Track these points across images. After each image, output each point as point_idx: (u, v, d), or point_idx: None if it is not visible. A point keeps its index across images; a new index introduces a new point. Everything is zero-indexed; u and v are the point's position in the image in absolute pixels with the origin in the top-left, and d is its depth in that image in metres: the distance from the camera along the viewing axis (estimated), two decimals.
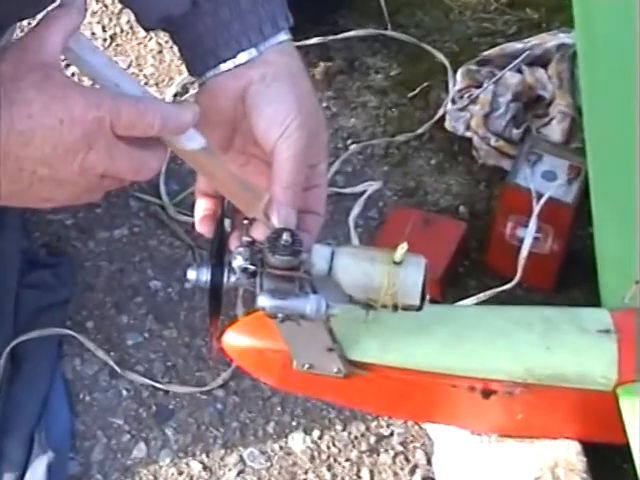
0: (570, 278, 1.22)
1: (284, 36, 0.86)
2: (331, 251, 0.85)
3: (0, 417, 1.10)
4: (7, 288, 1.18)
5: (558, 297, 1.22)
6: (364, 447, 1.13)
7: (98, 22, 1.51)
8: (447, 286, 1.22)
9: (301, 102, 0.84)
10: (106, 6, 1.53)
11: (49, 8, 0.76)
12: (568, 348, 0.96)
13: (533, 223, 1.14)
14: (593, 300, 1.05)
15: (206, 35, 0.85)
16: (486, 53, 1.39)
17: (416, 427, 1.13)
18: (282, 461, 1.12)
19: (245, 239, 0.83)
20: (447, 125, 1.36)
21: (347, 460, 1.12)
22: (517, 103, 1.33)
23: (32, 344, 1.16)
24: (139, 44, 1.49)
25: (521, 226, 1.17)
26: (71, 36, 0.74)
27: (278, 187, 0.82)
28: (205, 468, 1.12)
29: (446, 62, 1.43)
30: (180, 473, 1.11)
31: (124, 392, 1.17)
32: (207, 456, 1.12)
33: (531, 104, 1.35)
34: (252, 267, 0.82)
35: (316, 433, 1.14)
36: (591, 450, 1.01)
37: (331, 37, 1.47)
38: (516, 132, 1.31)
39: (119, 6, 1.51)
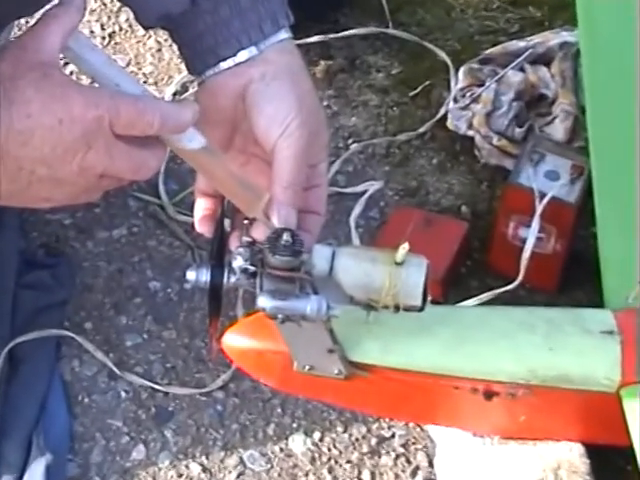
0: (573, 279, 1.22)
1: (284, 34, 0.86)
2: (332, 251, 0.85)
3: None
4: (5, 289, 1.18)
5: (561, 298, 1.22)
6: (365, 449, 1.13)
7: (97, 20, 1.51)
8: (449, 287, 1.22)
9: (302, 101, 0.84)
10: (105, 4, 1.53)
11: (47, 6, 0.76)
12: (571, 349, 0.96)
13: (536, 223, 1.14)
14: (596, 301, 1.05)
15: (206, 33, 0.85)
16: (488, 51, 1.39)
17: (418, 429, 1.13)
18: (282, 463, 1.12)
19: (245, 239, 0.84)
20: (449, 124, 1.36)
21: (348, 462, 1.12)
22: (519, 102, 1.33)
23: (30, 345, 1.16)
24: (138, 42, 1.49)
25: (524, 226, 1.17)
26: (70, 35, 0.74)
27: (278, 187, 0.82)
28: (205, 470, 1.12)
29: (448, 60, 1.43)
30: (179, 475, 1.11)
31: (123, 394, 1.16)
32: (207, 458, 1.12)
33: (534, 103, 1.35)
34: (252, 267, 0.82)
35: (317, 435, 1.14)
36: (594, 452, 1.01)
37: (332, 35, 1.47)
38: (519, 131, 1.31)
39: (118, 4, 1.52)
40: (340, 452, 1.13)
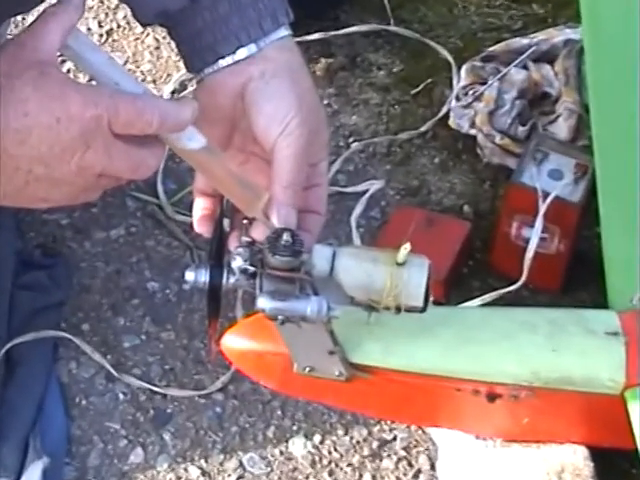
0: (577, 279, 1.22)
1: (284, 32, 0.86)
2: (332, 251, 0.85)
3: None
4: (1, 289, 1.18)
5: (564, 298, 1.22)
6: (366, 452, 1.13)
7: (94, 17, 1.51)
8: (451, 287, 1.22)
9: (302, 99, 0.84)
10: (102, 1, 1.53)
11: (45, 3, 0.76)
12: (575, 351, 0.96)
13: (539, 223, 1.14)
14: (600, 301, 1.05)
15: (204, 30, 0.85)
16: (491, 49, 1.39)
17: (419, 431, 1.13)
18: (282, 466, 1.12)
19: (244, 239, 0.84)
20: (451, 123, 1.36)
21: (349, 465, 1.12)
22: (523, 100, 1.33)
23: (27, 347, 1.16)
24: (136, 40, 1.49)
25: (527, 226, 1.17)
26: (69, 33, 0.74)
27: (278, 186, 0.83)
28: (204, 473, 1.12)
29: (450, 58, 1.43)
30: (178, 479, 1.11)
31: (121, 396, 1.17)
32: (206, 461, 1.13)
33: (537, 101, 1.35)
34: (252, 268, 0.83)
35: (317, 438, 1.14)
36: (598, 455, 1.01)
37: (332, 33, 1.47)
38: (522, 130, 1.31)
39: (115, 1, 1.52)
40: (341, 455, 1.13)
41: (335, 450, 1.13)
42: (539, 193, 1.14)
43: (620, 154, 1.04)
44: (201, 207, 0.88)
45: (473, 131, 1.33)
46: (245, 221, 0.85)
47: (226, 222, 0.88)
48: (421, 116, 1.40)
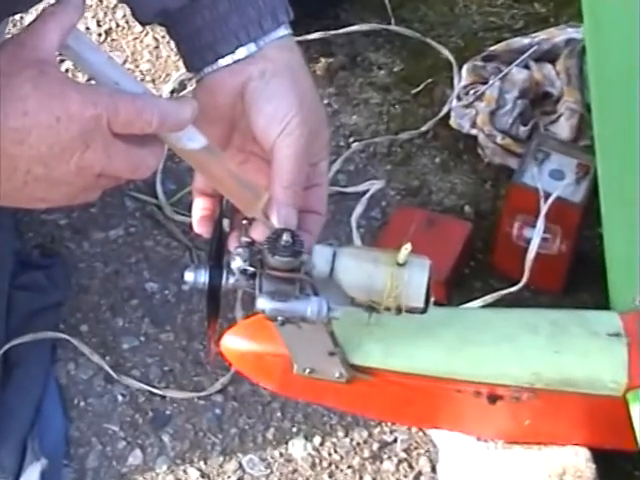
0: (579, 280, 1.22)
1: (284, 31, 0.86)
2: (333, 252, 0.85)
3: None
4: None
5: (566, 299, 1.22)
6: (367, 454, 1.13)
7: (93, 17, 1.51)
8: (452, 288, 1.22)
9: (302, 99, 0.84)
10: (101, 0, 1.53)
11: (43, 3, 0.76)
12: (577, 352, 0.96)
13: (541, 223, 1.14)
14: (602, 302, 1.05)
15: (204, 29, 0.85)
16: (492, 48, 1.40)
17: (420, 433, 1.14)
18: (282, 468, 1.12)
19: (244, 240, 0.84)
20: (452, 122, 1.36)
21: (349, 467, 1.12)
22: (524, 100, 1.33)
23: (25, 348, 1.16)
24: (135, 39, 1.49)
25: (528, 226, 1.17)
26: (69, 33, 0.74)
27: (278, 186, 0.83)
28: (203, 475, 1.12)
29: (451, 58, 1.43)
30: None
31: (120, 397, 1.17)
32: (205, 463, 1.13)
33: (538, 101, 1.35)
34: (251, 268, 0.83)
35: (317, 439, 1.14)
36: (600, 457, 1.01)
37: (333, 32, 1.47)
38: (523, 130, 1.31)
39: (114, 0, 1.52)
40: (341, 457, 1.13)
41: (335, 452, 1.13)
42: (540, 193, 1.14)
43: (622, 154, 1.04)
44: (200, 207, 0.88)
45: (474, 131, 1.33)
46: (245, 221, 0.85)
47: (226, 222, 0.88)
48: (422, 116, 1.40)
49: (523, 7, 1.51)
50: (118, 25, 1.51)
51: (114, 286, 1.25)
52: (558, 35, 1.38)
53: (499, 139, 1.31)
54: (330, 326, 0.88)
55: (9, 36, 1.33)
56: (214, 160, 0.80)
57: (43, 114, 0.70)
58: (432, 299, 0.86)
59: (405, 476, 1.11)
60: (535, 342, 0.96)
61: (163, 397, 1.16)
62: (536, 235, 1.14)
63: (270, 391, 1.11)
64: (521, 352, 0.96)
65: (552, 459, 1.00)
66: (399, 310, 0.86)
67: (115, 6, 1.52)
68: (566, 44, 1.37)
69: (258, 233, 0.83)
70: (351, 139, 1.38)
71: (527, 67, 1.36)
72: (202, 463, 1.12)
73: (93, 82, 0.77)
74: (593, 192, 1.13)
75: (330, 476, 1.12)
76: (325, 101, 1.40)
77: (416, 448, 1.13)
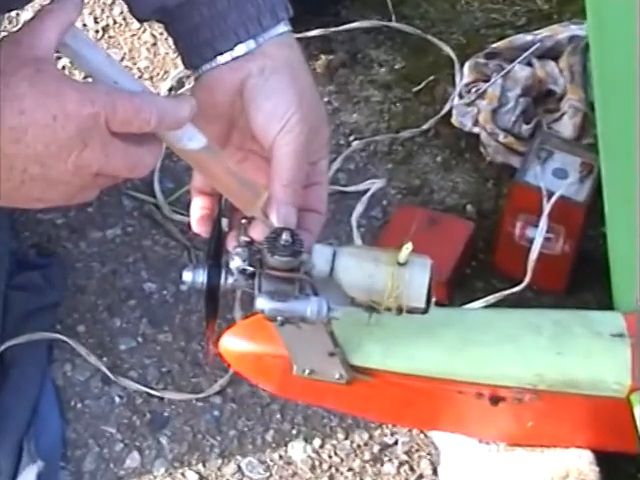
0: (582, 280, 1.22)
1: (284, 27, 0.86)
2: (333, 251, 0.86)
3: None
4: None
5: (569, 300, 1.22)
6: (367, 456, 1.13)
7: (90, 13, 1.51)
8: (454, 288, 1.22)
9: (301, 96, 0.84)
10: None
11: (38, 0, 0.76)
12: (580, 353, 0.96)
13: (543, 223, 1.14)
14: (606, 303, 1.05)
15: (202, 26, 0.85)
16: (494, 45, 1.40)
17: (421, 435, 1.14)
18: (282, 471, 1.12)
19: (243, 239, 0.84)
20: (454, 121, 1.36)
21: (349, 470, 1.12)
22: (527, 98, 1.33)
23: (21, 349, 1.16)
24: (133, 36, 1.50)
25: (531, 226, 1.17)
26: (66, 31, 0.74)
27: (278, 185, 0.83)
28: (201, 478, 1.12)
29: (453, 55, 1.44)
30: None
31: (117, 399, 1.17)
32: (203, 466, 1.13)
33: (541, 99, 1.36)
34: (250, 268, 0.83)
35: (317, 442, 1.14)
36: (604, 459, 1.01)
37: (333, 29, 1.47)
38: (526, 128, 1.31)
39: None
40: (341, 459, 1.13)
41: (335, 454, 1.13)
42: (543, 192, 1.14)
43: (626, 152, 1.04)
44: (199, 206, 0.88)
45: (476, 129, 1.34)
46: (244, 220, 0.85)
47: (224, 221, 0.88)
48: (423, 114, 1.40)
49: (526, 4, 1.51)
50: (115, 22, 1.51)
51: (111, 286, 1.25)
52: (561, 32, 1.38)
53: (501, 137, 1.31)
54: (330, 326, 0.88)
55: (4, 33, 1.34)
56: (213, 159, 0.80)
57: (40, 113, 0.71)
58: (433, 299, 0.86)
59: (406, 479, 1.12)
60: (538, 343, 0.97)
61: (161, 399, 1.16)
62: (539, 235, 1.14)
63: (269, 392, 1.11)
64: (523, 353, 0.96)
65: (555, 461, 1.00)
66: (400, 310, 0.86)
67: (112, 3, 1.52)
68: (569, 41, 1.37)
69: (257, 232, 0.83)
70: (351, 137, 1.39)
71: (530, 64, 1.36)
72: (200, 466, 1.13)
73: (90, 80, 0.77)
74: (597, 191, 1.13)
75: (330, 479, 1.12)
76: (325, 99, 1.41)
77: (417, 450, 1.13)
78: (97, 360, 1.18)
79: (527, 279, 1.14)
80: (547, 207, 1.14)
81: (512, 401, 0.96)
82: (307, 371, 0.94)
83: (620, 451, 1.01)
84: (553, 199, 1.14)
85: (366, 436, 1.14)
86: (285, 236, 0.80)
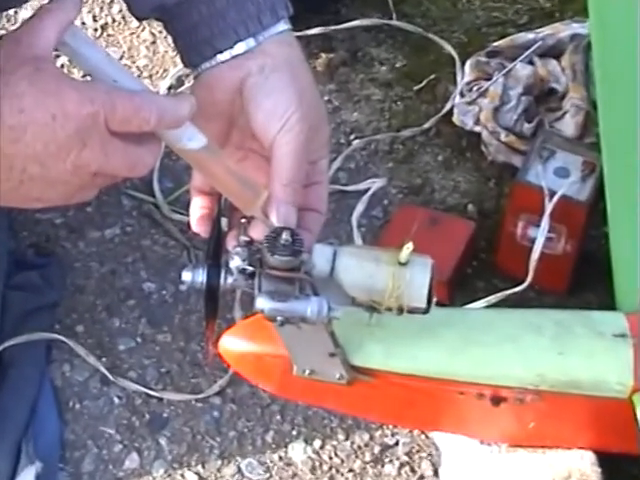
0: (584, 280, 1.22)
1: (284, 26, 0.86)
2: (333, 251, 0.86)
3: None
4: None
5: (571, 300, 1.22)
6: (368, 457, 1.13)
7: (89, 11, 1.51)
8: (455, 288, 1.22)
9: (301, 95, 0.84)
10: None
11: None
12: (582, 353, 0.96)
13: (545, 222, 1.14)
14: (608, 303, 1.05)
15: (201, 24, 0.85)
16: (496, 44, 1.40)
17: (422, 436, 1.14)
18: (282, 472, 1.12)
19: (243, 238, 0.84)
20: (455, 119, 1.36)
21: (350, 471, 1.12)
22: (528, 96, 1.33)
23: (19, 349, 1.16)
24: (132, 34, 1.50)
25: (533, 225, 1.18)
26: (66, 30, 0.74)
27: (277, 184, 0.83)
28: (201, 479, 1.12)
29: (454, 53, 1.44)
30: None
31: (116, 400, 1.17)
32: (203, 467, 1.13)
33: (543, 97, 1.36)
34: (250, 268, 0.83)
35: (317, 443, 1.14)
36: (606, 460, 1.01)
37: (333, 27, 1.48)
38: (527, 127, 1.32)
39: None
40: (342, 461, 1.13)
41: (336, 455, 1.13)
42: (545, 192, 1.14)
43: (629, 151, 1.04)
44: (199, 206, 0.88)
45: (478, 128, 1.34)
46: (243, 220, 0.85)
47: (224, 221, 0.88)
48: (424, 113, 1.40)
49: (527, 2, 1.51)
50: (114, 20, 1.51)
51: (110, 286, 1.25)
52: (563, 30, 1.38)
53: (503, 136, 1.31)
54: (330, 326, 0.88)
55: (3, 31, 1.34)
56: (213, 159, 0.80)
57: (39, 112, 0.71)
58: (434, 299, 0.86)
59: None
60: (539, 343, 0.97)
61: (160, 399, 1.17)
62: (541, 234, 1.14)
63: (269, 393, 1.11)
64: (525, 353, 0.96)
65: (557, 463, 1.01)
66: (401, 310, 0.86)
67: (111, 1, 1.53)
68: (571, 39, 1.37)
69: (257, 232, 0.83)
70: (352, 136, 1.39)
71: (531, 63, 1.36)
72: (200, 467, 1.13)
73: (89, 78, 0.77)
74: (599, 190, 1.13)
75: None
76: (325, 97, 1.41)
77: (418, 451, 1.13)
78: (96, 360, 1.18)
79: (529, 279, 1.14)
80: (549, 207, 1.14)
81: (514, 402, 0.97)
82: (307, 371, 0.94)
83: (622, 452, 1.01)
84: (555, 198, 1.14)
85: (367, 437, 1.14)
86: (285, 236, 0.81)
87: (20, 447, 1.10)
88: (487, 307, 1.14)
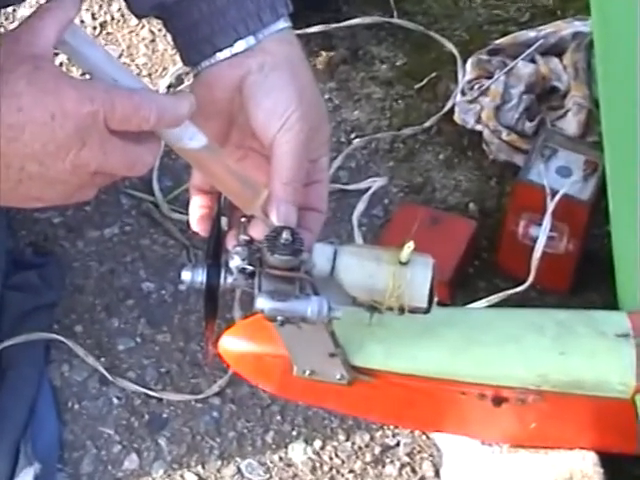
0: (586, 279, 1.22)
1: (284, 23, 0.86)
2: (333, 250, 0.86)
3: None
4: None
5: (573, 299, 1.22)
6: (368, 458, 1.13)
7: (87, 9, 1.51)
8: (456, 288, 1.22)
9: (302, 93, 0.84)
10: None
11: None
12: (584, 353, 0.96)
13: (547, 221, 1.14)
14: (610, 302, 1.06)
15: (201, 22, 0.85)
16: (497, 42, 1.40)
17: (423, 437, 1.14)
18: (282, 473, 1.12)
19: (243, 238, 0.84)
20: (456, 118, 1.36)
21: (351, 472, 1.12)
22: (530, 95, 1.33)
23: (18, 349, 1.16)
24: (131, 33, 1.50)
25: (534, 225, 1.18)
26: (65, 29, 0.74)
27: (278, 183, 0.83)
28: None
29: (455, 51, 1.44)
30: None
31: (115, 400, 1.17)
32: (203, 467, 1.13)
33: (545, 96, 1.36)
34: (250, 267, 0.83)
35: (318, 443, 1.14)
36: (608, 461, 1.01)
37: (334, 25, 1.48)
38: (529, 125, 1.32)
39: None
40: (342, 461, 1.13)
41: (336, 456, 1.13)
42: (547, 191, 1.14)
43: (631, 150, 1.04)
44: (198, 205, 0.88)
45: (479, 127, 1.34)
46: (243, 219, 0.85)
47: (224, 220, 0.88)
48: (425, 111, 1.40)
49: (529, 0, 1.51)
50: (113, 18, 1.51)
51: (109, 286, 1.25)
52: (565, 28, 1.38)
53: (504, 135, 1.31)
54: (331, 326, 0.88)
55: (1, 29, 1.34)
56: (213, 158, 0.80)
57: (38, 110, 0.71)
58: (435, 299, 0.87)
59: None
60: (541, 343, 0.97)
61: (159, 400, 1.17)
62: (542, 234, 1.14)
63: (269, 393, 1.11)
64: (527, 353, 0.96)
65: (559, 463, 1.01)
66: (402, 310, 0.86)
67: None
68: (573, 37, 1.37)
69: (257, 231, 0.83)
70: (352, 135, 1.39)
71: (533, 61, 1.36)
72: (200, 467, 1.13)
73: (89, 77, 0.77)
74: (601, 189, 1.13)
75: None
76: (326, 96, 1.41)
77: (419, 452, 1.13)
78: (95, 360, 1.18)
79: (530, 278, 1.14)
80: (551, 205, 1.14)
81: (515, 402, 0.97)
82: (308, 372, 0.94)
83: (624, 452, 1.01)
84: (557, 197, 1.14)
85: (367, 437, 1.14)
86: (285, 235, 0.81)
87: (19, 448, 1.10)
88: (489, 307, 1.14)
